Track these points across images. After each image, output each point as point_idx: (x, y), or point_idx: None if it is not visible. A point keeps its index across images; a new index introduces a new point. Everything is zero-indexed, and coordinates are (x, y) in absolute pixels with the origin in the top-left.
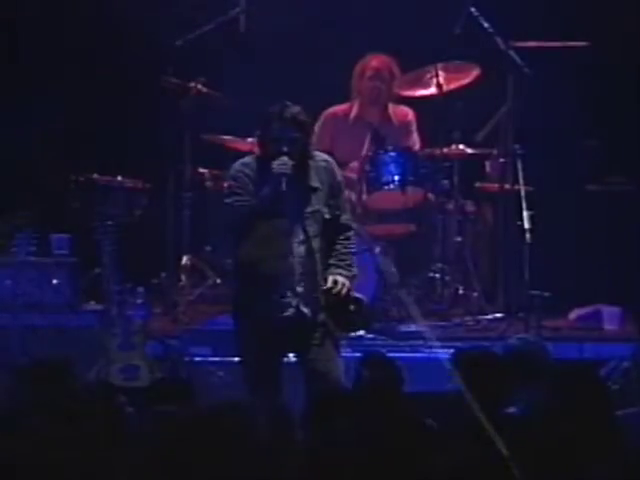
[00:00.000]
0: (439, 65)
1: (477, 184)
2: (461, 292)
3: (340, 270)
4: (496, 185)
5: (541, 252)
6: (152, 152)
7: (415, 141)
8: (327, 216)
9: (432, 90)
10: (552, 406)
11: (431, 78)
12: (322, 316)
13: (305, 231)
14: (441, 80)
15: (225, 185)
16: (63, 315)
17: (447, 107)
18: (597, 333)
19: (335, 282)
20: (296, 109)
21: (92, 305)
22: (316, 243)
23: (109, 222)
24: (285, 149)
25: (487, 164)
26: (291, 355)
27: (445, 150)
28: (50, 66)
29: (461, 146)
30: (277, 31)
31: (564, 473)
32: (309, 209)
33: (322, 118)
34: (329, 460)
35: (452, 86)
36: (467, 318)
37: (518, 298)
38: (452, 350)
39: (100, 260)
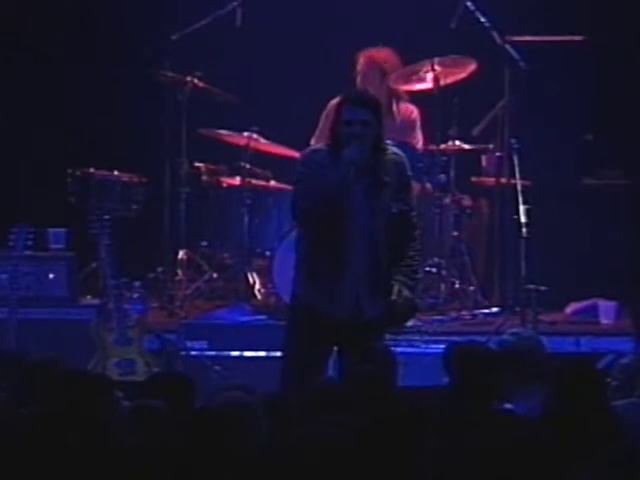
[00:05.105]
0: (435, 59)
1: (473, 178)
2: (457, 286)
3: (405, 279)
4: (493, 179)
5: (537, 246)
6: (149, 146)
7: (418, 138)
8: (394, 210)
9: (428, 84)
10: (550, 403)
11: (427, 72)
12: (376, 314)
13: (372, 226)
14: (437, 74)
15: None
16: (60, 309)
17: (443, 102)
18: (593, 327)
19: (399, 293)
20: (365, 92)
21: (89, 299)
22: (381, 237)
23: (106, 216)
24: (357, 132)
25: (483, 158)
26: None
27: (442, 146)
28: (48, 60)
29: (457, 142)
30: (273, 25)
31: (561, 467)
32: (378, 204)
33: (328, 107)
34: (325, 452)
35: (448, 80)
36: (463, 312)
37: (514, 292)
38: (447, 344)
39: (97, 254)
